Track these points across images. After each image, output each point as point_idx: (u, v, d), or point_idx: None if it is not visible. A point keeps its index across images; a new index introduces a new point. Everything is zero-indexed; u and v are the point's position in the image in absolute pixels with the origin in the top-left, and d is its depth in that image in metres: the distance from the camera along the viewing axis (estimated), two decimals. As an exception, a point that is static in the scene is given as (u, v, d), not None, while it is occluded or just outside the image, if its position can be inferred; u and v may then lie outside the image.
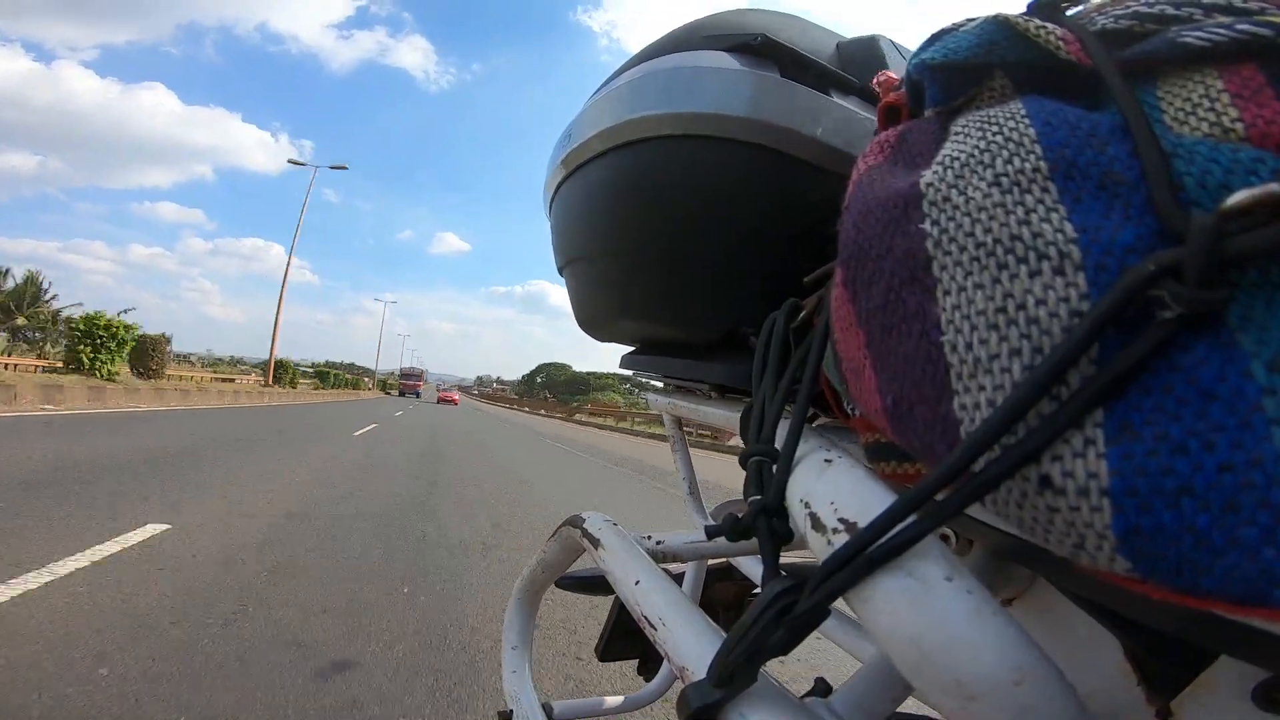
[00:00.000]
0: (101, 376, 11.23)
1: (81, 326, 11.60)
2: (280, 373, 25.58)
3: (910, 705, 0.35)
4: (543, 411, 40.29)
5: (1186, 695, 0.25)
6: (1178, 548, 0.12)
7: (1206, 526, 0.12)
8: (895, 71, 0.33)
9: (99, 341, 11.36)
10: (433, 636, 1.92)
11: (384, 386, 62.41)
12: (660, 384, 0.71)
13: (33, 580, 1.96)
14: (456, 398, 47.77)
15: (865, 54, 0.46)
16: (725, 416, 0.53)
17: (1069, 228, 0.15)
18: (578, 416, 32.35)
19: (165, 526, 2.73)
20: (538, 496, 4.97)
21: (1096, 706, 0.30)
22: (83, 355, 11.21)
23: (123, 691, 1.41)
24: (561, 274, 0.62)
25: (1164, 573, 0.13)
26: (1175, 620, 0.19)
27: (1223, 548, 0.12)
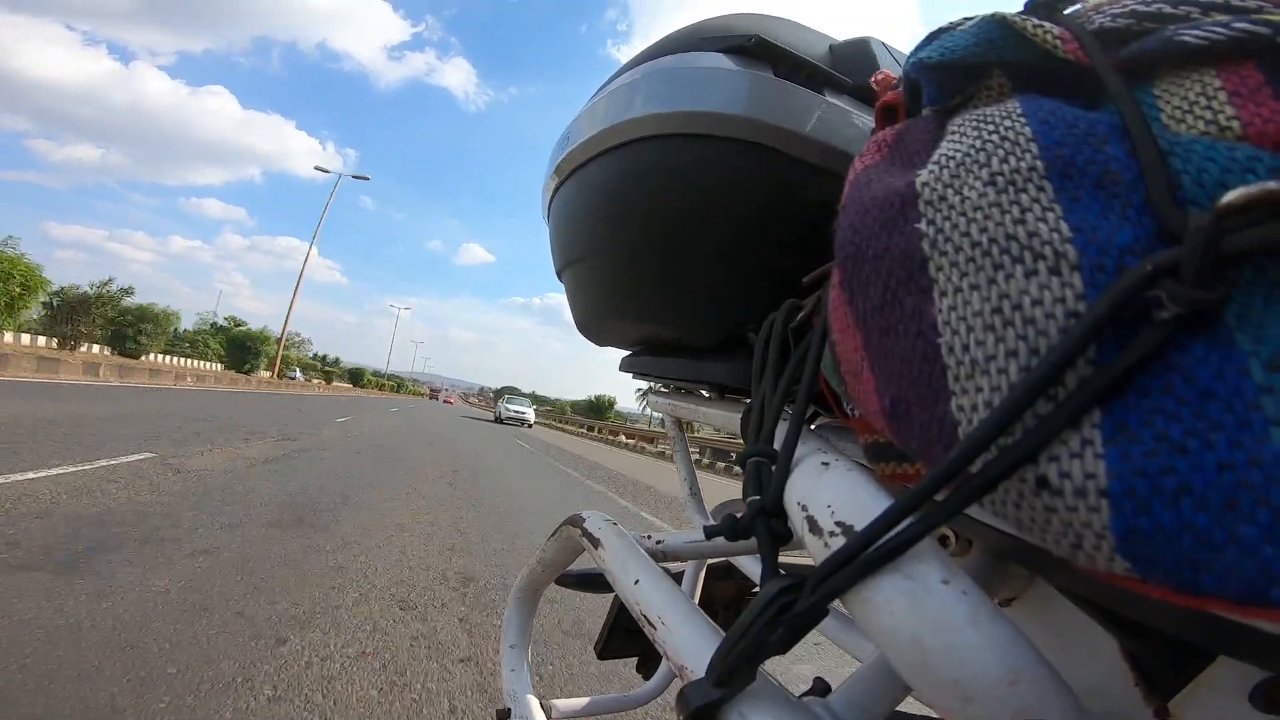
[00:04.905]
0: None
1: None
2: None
3: (910, 704, 0.35)
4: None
5: (1185, 695, 0.25)
6: (1177, 547, 0.12)
7: (1206, 526, 0.12)
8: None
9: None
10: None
11: (416, 393, 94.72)
12: (661, 386, 0.70)
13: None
14: (453, 400, 70.66)
15: (857, 55, 0.46)
16: (725, 417, 0.52)
17: (1065, 227, 0.15)
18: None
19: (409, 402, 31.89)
20: (448, 419, 20.61)
21: (1095, 706, 0.29)
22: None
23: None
24: (560, 277, 0.62)
25: (1163, 572, 0.13)
26: (1174, 620, 0.19)
27: (1222, 547, 0.12)
